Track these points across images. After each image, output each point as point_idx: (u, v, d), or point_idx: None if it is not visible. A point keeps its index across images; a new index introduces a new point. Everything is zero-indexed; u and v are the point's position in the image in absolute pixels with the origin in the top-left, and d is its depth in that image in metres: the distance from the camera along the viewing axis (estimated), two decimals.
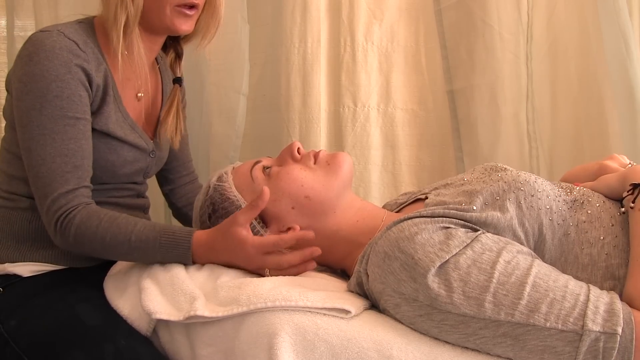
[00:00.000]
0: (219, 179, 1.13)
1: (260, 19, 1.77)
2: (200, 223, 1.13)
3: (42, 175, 1.07)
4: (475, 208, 0.96)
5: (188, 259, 1.06)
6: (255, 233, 1.05)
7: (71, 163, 1.07)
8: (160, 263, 1.07)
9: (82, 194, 1.08)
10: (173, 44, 1.33)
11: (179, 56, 1.34)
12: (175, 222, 1.53)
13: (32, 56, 1.07)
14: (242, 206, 1.08)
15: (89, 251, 1.09)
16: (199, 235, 1.06)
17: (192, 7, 1.18)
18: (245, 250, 1.02)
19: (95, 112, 1.14)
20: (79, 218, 1.06)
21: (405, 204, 1.16)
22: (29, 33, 1.15)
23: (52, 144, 1.06)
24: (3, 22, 1.80)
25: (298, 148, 1.12)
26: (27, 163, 1.09)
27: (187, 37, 1.32)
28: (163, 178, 1.45)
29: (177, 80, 1.33)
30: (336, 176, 1.09)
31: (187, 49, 1.36)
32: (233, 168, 1.15)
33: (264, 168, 1.11)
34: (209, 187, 1.13)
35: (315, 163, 1.11)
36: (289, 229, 1.07)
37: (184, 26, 1.18)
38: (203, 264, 1.06)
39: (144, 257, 1.07)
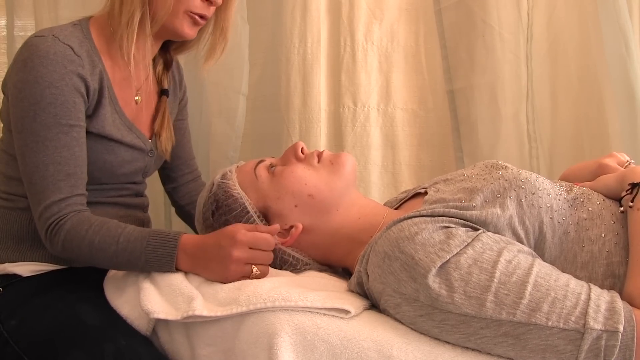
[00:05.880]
0: (223, 176, 1.13)
1: (260, 19, 1.76)
2: (203, 220, 1.13)
3: (35, 183, 1.06)
4: (474, 205, 0.96)
5: (172, 260, 1.03)
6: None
7: (64, 171, 1.07)
8: (142, 269, 1.04)
9: (75, 202, 1.08)
10: (163, 53, 1.32)
11: (167, 67, 1.33)
12: (177, 220, 1.53)
13: (26, 62, 1.07)
14: (245, 204, 1.09)
15: (76, 256, 1.07)
16: (187, 236, 1.05)
17: (202, 16, 1.19)
18: (236, 238, 1.00)
19: (91, 115, 1.14)
20: (69, 224, 1.05)
21: (404, 200, 1.17)
22: (29, 33, 1.15)
23: (45, 151, 1.06)
24: (3, 22, 1.80)
25: (302, 148, 1.13)
26: (21, 169, 1.09)
27: (179, 48, 1.33)
28: (165, 176, 1.45)
29: (165, 92, 1.32)
30: (339, 175, 1.09)
31: (188, 58, 1.35)
32: (237, 167, 1.16)
33: (268, 167, 1.12)
34: (213, 184, 1.13)
35: (318, 162, 1.11)
36: (291, 227, 1.07)
37: (191, 31, 1.20)
38: (186, 272, 1.04)
39: (130, 259, 1.04)
